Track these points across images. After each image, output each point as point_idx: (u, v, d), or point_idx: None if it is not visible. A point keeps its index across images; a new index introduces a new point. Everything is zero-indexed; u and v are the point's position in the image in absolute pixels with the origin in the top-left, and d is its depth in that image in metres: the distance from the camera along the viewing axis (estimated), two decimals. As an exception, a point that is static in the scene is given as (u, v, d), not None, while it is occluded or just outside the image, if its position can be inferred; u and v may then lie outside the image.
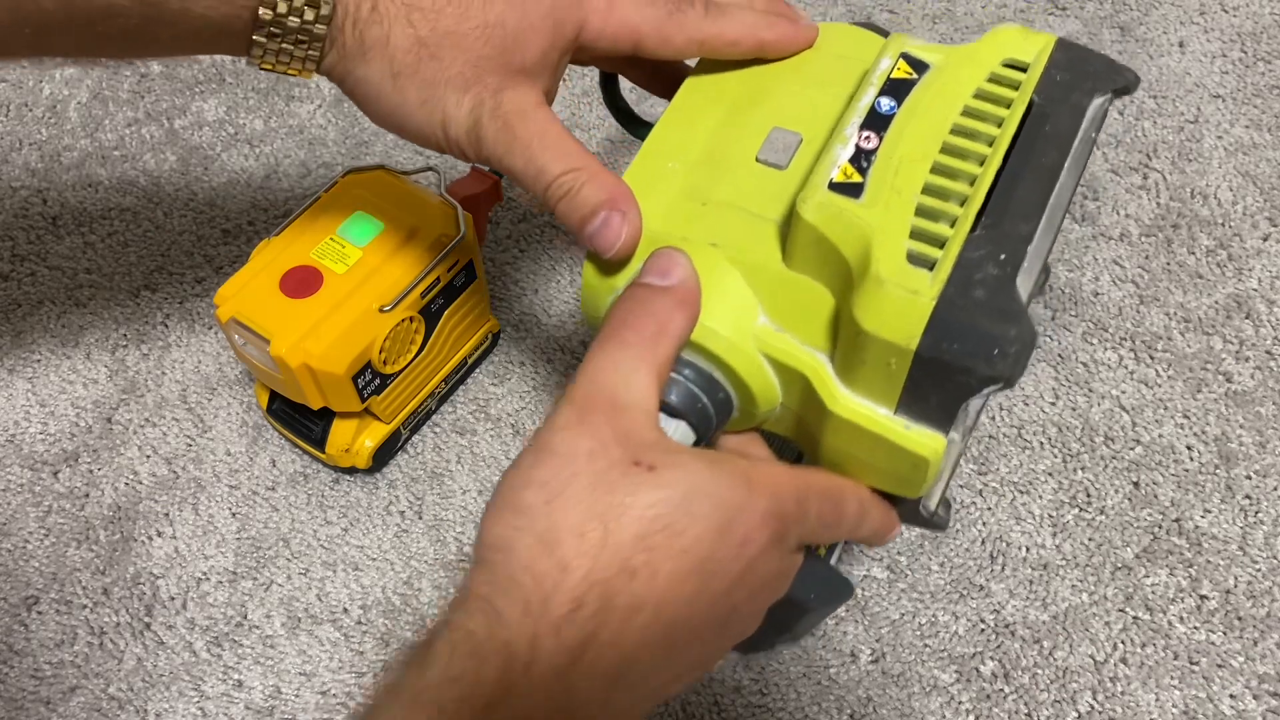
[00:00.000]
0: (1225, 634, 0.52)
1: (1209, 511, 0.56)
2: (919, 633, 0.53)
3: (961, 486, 0.57)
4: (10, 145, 0.72)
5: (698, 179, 0.40)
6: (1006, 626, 0.53)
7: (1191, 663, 0.52)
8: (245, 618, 0.55)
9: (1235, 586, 0.53)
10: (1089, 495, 0.56)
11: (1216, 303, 0.62)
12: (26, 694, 0.53)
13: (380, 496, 0.58)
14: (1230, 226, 0.65)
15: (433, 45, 0.39)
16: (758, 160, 0.39)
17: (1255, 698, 0.51)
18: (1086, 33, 0.75)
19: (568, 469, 0.32)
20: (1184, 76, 0.72)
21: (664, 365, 0.35)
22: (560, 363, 0.62)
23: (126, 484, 0.59)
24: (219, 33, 0.39)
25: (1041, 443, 0.58)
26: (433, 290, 0.54)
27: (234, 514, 0.58)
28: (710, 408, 0.38)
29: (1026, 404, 0.59)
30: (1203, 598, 0.53)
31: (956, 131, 0.37)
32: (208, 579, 0.56)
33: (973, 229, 0.34)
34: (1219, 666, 0.51)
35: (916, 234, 0.34)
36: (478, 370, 0.62)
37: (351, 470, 0.58)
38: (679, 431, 0.38)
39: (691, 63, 0.44)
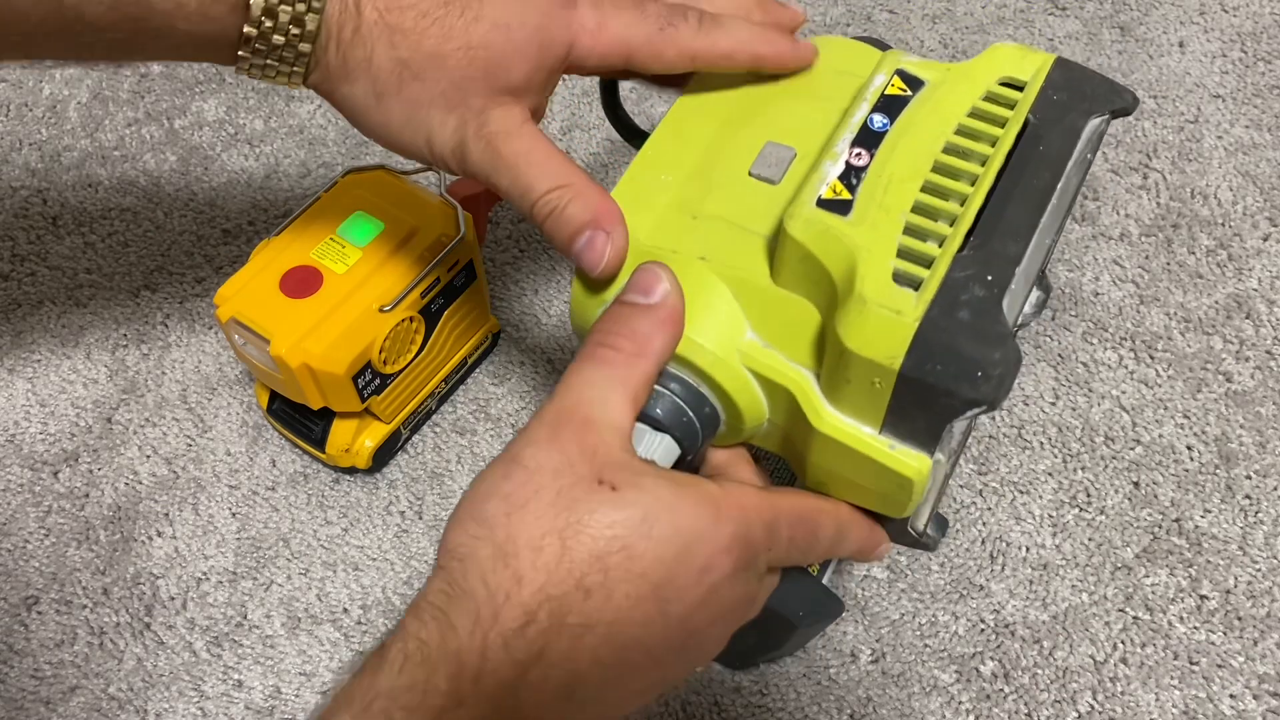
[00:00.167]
0: (1225, 634, 0.52)
1: (1209, 511, 0.56)
2: (919, 633, 0.53)
3: (961, 486, 0.57)
4: (10, 145, 0.72)
5: (690, 192, 0.40)
6: (1006, 626, 0.53)
7: (1191, 663, 0.52)
8: (245, 618, 0.55)
9: (1235, 586, 0.53)
10: (1089, 495, 0.56)
11: (1216, 303, 0.62)
12: (26, 694, 0.53)
13: (380, 496, 0.58)
14: (1230, 226, 0.65)
15: (415, 67, 0.38)
16: (750, 174, 0.39)
17: (1255, 698, 0.51)
18: (1086, 33, 0.75)
19: (532, 483, 0.32)
20: (1184, 76, 0.72)
21: (641, 385, 0.35)
22: (560, 363, 0.62)
23: (126, 484, 0.59)
24: (206, 46, 0.39)
25: (1041, 443, 0.58)
26: (433, 290, 0.54)
27: (234, 514, 0.58)
28: (696, 422, 0.38)
29: (1026, 404, 0.59)
30: (1203, 598, 0.53)
31: (949, 150, 0.36)
32: (208, 579, 0.56)
33: (961, 249, 0.34)
34: (1219, 666, 0.51)
35: (904, 253, 0.34)
36: (478, 370, 0.62)
37: (351, 470, 0.58)
38: (663, 446, 0.38)
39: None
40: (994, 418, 0.59)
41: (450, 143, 0.40)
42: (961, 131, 0.37)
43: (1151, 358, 0.61)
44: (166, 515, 0.58)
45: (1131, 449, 0.58)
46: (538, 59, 0.39)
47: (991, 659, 0.52)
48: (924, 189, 0.36)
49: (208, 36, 0.38)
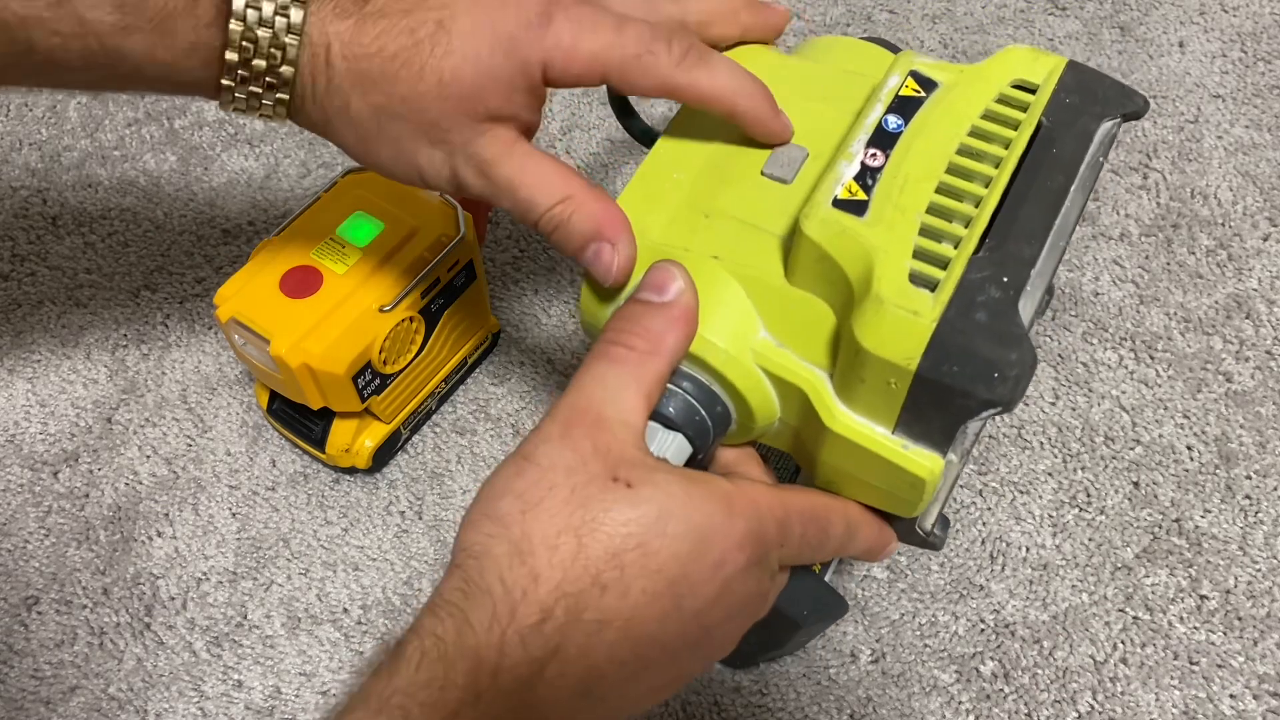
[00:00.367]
0: (1225, 634, 0.52)
1: (1209, 511, 0.56)
2: (919, 633, 0.53)
3: (962, 486, 0.57)
4: (10, 145, 0.72)
5: (702, 190, 0.40)
6: (1006, 626, 0.53)
7: (1191, 663, 0.52)
8: (245, 618, 0.55)
9: (1235, 586, 0.53)
10: (1089, 495, 0.56)
11: (1216, 303, 0.62)
12: (26, 694, 0.53)
13: (380, 496, 0.58)
14: (1230, 226, 0.65)
15: (392, 110, 0.38)
16: (763, 174, 0.39)
17: (1255, 698, 0.51)
18: (1086, 33, 0.75)
19: (546, 481, 0.33)
20: (1184, 76, 0.72)
21: (654, 383, 0.35)
22: (560, 363, 0.62)
23: (126, 484, 0.59)
24: (187, 86, 0.39)
25: (1041, 443, 0.58)
26: (433, 290, 0.54)
27: (234, 514, 0.58)
28: (708, 420, 0.38)
29: (1026, 404, 0.59)
30: (1203, 598, 0.53)
31: (963, 152, 0.36)
32: (208, 579, 0.56)
33: (976, 250, 0.34)
34: (1219, 666, 0.51)
35: (920, 254, 0.34)
36: (478, 370, 0.62)
37: (351, 470, 0.58)
38: (675, 444, 0.38)
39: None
40: (994, 417, 0.59)
41: (443, 174, 0.40)
42: (975, 133, 0.37)
43: (1151, 358, 0.61)
44: (166, 515, 0.58)
45: (1131, 449, 0.58)
46: (513, 83, 0.38)
47: (991, 659, 0.52)
48: (939, 190, 0.36)
49: (187, 81, 0.39)
